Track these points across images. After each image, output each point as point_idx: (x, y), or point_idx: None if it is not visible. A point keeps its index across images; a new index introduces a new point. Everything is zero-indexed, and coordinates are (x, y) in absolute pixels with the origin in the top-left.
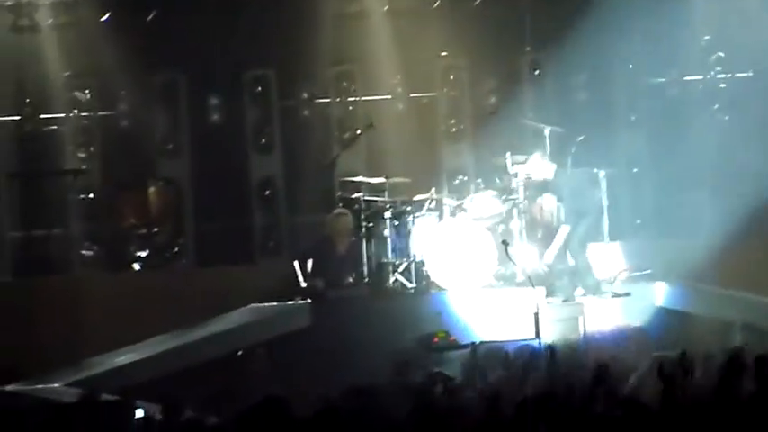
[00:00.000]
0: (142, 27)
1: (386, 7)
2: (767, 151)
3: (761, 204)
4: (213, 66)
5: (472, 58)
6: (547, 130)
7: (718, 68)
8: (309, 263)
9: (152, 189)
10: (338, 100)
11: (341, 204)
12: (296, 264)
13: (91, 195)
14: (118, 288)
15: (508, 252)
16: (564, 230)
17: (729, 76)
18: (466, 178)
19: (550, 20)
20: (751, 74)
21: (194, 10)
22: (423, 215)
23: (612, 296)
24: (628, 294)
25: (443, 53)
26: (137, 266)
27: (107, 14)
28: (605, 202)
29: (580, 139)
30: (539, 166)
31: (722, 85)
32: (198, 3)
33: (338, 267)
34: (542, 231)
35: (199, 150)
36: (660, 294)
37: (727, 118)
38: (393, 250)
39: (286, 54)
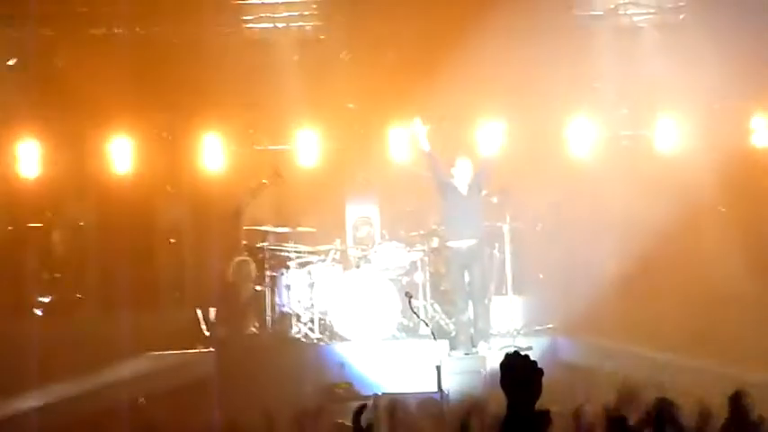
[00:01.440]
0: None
1: (295, 57)
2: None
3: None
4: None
5: (381, 110)
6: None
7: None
8: (212, 311)
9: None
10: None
11: (246, 253)
12: (199, 312)
13: None
14: (19, 334)
15: (411, 304)
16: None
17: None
18: (371, 229)
19: None
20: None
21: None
22: (327, 265)
23: (515, 349)
24: (530, 348)
25: (351, 105)
26: (39, 312)
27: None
28: (508, 256)
29: (484, 193)
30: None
31: (624, 143)
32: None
33: (241, 315)
34: (445, 284)
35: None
36: (562, 349)
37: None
38: (297, 300)
39: (194, 101)
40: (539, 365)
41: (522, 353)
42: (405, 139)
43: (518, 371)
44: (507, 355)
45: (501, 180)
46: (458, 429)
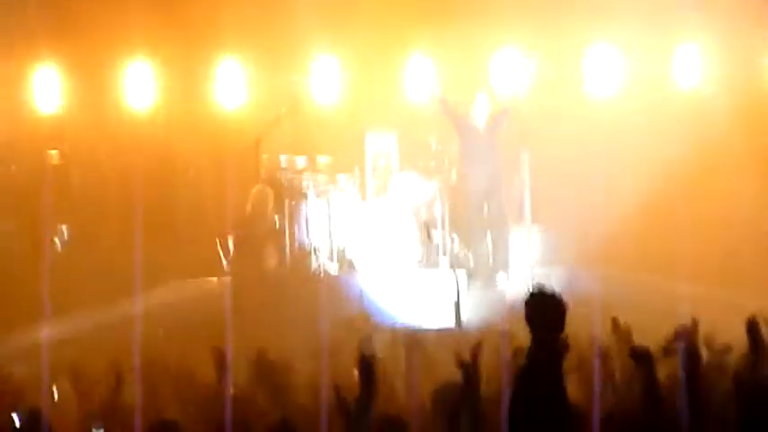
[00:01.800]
0: None
1: None
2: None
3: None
4: None
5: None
6: None
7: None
8: (231, 241)
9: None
10: None
11: (265, 183)
12: (218, 242)
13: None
14: (38, 264)
15: (430, 235)
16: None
17: None
18: (389, 159)
19: None
20: None
21: None
22: (346, 196)
23: (534, 282)
24: (548, 279)
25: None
26: (57, 242)
27: None
28: (527, 187)
29: (504, 124)
30: None
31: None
32: None
33: (260, 245)
34: (464, 216)
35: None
36: (579, 279)
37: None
38: (315, 230)
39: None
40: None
41: (548, 290)
42: (424, 70)
43: (544, 308)
44: (533, 293)
45: (520, 110)
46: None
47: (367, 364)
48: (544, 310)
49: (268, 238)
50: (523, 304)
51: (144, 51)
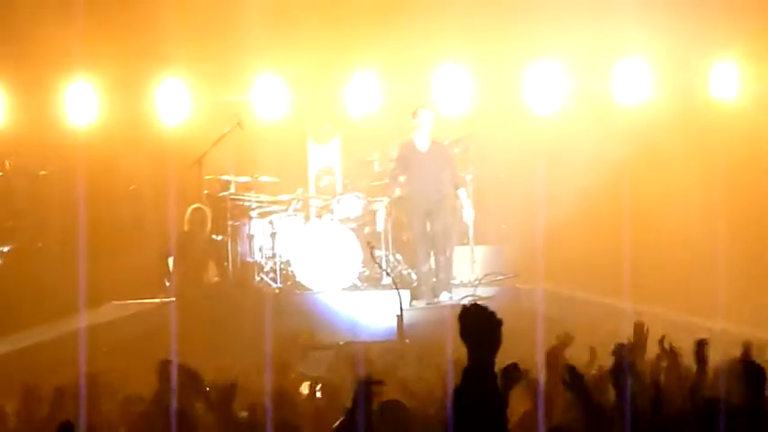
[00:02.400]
0: None
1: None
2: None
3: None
4: None
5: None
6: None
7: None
8: (170, 260)
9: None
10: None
11: (207, 202)
12: (169, 260)
13: None
14: None
15: (373, 254)
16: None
17: None
18: (333, 179)
19: None
20: None
21: None
22: (289, 215)
23: (476, 300)
24: (490, 298)
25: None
26: None
27: None
28: (471, 206)
29: (447, 142)
30: None
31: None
32: None
33: (199, 264)
34: (407, 234)
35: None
36: (523, 298)
37: None
38: (258, 250)
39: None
40: (499, 316)
41: (481, 303)
42: (366, 88)
43: (476, 322)
44: (465, 307)
45: (463, 129)
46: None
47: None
48: (478, 324)
49: (207, 257)
50: (458, 319)
51: (86, 69)
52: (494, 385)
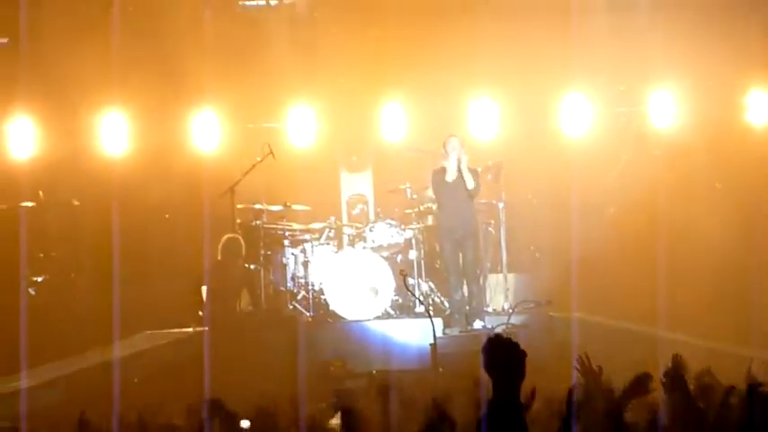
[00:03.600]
0: None
1: (288, 35)
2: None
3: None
4: None
5: (375, 87)
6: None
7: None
8: (204, 289)
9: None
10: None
11: (239, 231)
12: (203, 289)
13: None
14: (13, 313)
15: (406, 282)
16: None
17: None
18: (365, 207)
19: None
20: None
21: None
22: (321, 243)
23: (509, 328)
24: (524, 326)
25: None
26: (32, 291)
27: None
28: (503, 234)
29: (479, 170)
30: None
31: (622, 119)
32: None
33: (233, 294)
34: (439, 262)
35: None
36: (556, 326)
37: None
38: (291, 278)
39: (188, 78)
40: (532, 343)
41: (505, 335)
42: (398, 117)
43: (500, 355)
44: (489, 339)
45: (495, 157)
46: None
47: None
48: (501, 356)
49: (241, 286)
50: (482, 352)
51: (119, 99)
52: (518, 416)
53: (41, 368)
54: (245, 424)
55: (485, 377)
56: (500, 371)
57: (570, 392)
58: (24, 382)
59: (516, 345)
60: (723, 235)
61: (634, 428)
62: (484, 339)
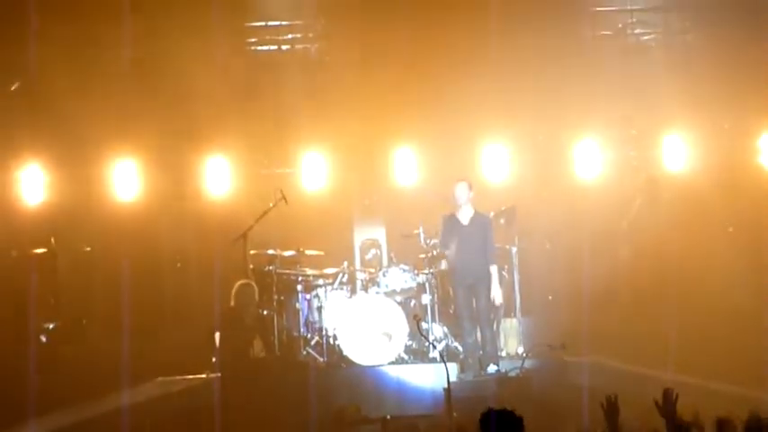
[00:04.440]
0: None
1: (300, 79)
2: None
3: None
4: None
5: (387, 131)
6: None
7: (630, 146)
8: (217, 336)
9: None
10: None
11: (252, 277)
12: (216, 335)
13: None
14: (24, 360)
15: (420, 327)
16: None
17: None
18: (378, 252)
19: None
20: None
21: None
22: (335, 288)
23: (523, 372)
24: (539, 370)
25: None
26: (43, 338)
27: None
28: (516, 278)
29: (492, 214)
30: None
31: (634, 163)
32: None
33: (246, 340)
34: (453, 306)
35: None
36: (571, 370)
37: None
38: (305, 324)
39: (199, 123)
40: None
41: (500, 409)
42: (410, 160)
43: (497, 425)
44: (485, 414)
45: (508, 201)
46: None
47: None
48: (495, 424)
49: (254, 332)
50: (479, 425)
51: (130, 146)
52: None
53: (52, 415)
54: None
55: None
56: None
57: None
58: (35, 429)
59: (511, 413)
60: (736, 279)
61: None
62: (497, 384)
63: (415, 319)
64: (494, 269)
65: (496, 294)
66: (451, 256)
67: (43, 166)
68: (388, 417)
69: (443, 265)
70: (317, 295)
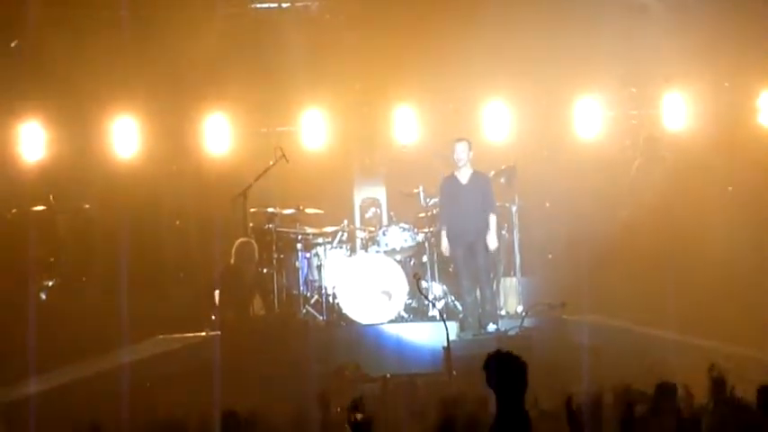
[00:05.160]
0: None
1: (300, 38)
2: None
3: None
4: None
5: (387, 90)
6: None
7: (630, 105)
8: (216, 294)
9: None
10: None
11: (252, 235)
12: (216, 294)
13: None
14: (23, 318)
15: (419, 285)
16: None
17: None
18: (378, 211)
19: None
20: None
21: None
22: (335, 247)
23: (523, 331)
24: (538, 329)
25: (356, 86)
26: (43, 296)
27: None
28: (516, 237)
29: (492, 173)
30: None
31: (634, 122)
32: None
33: (246, 298)
34: (452, 265)
35: (110, 178)
36: (570, 329)
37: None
38: (304, 282)
39: (199, 82)
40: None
41: (505, 353)
42: (411, 119)
43: (501, 371)
44: (490, 356)
45: (508, 160)
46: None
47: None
48: (502, 372)
49: (254, 290)
50: (483, 370)
51: (130, 103)
52: (525, 427)
53: (52, 373)
54: None
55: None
56: (502, 386)
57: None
58: (35, 387)
59: (516, 358)
60: (735, 237)
61: None
62: (497, 343)
63: (415, 277)
64: (493, 219)
65: (491, 241)
66: (451, 214)
67: (43, 124)
68: (388, 375)
69: (443, 224)
70: (316, 254)
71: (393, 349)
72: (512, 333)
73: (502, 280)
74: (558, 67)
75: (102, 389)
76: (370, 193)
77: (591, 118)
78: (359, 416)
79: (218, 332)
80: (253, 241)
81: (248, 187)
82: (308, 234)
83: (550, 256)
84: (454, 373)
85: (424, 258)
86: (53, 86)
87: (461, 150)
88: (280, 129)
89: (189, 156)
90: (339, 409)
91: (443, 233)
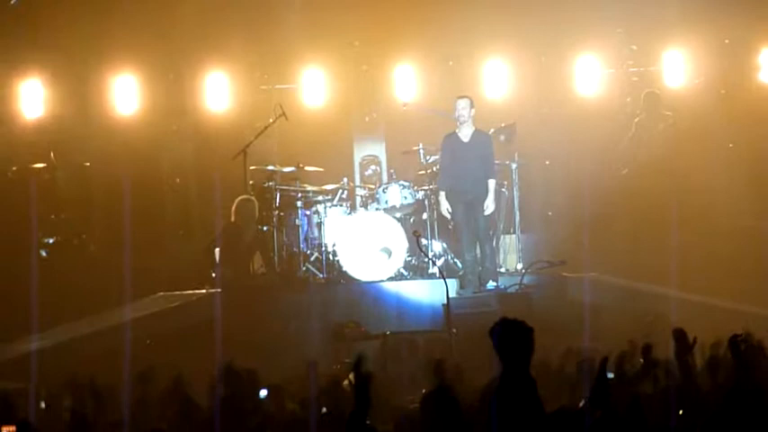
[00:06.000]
0: None
1: None
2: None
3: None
4: None
5: (387, 47)
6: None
7: (630, 62)
8: (217, 251)
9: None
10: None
11: (252, 193)
12: (216, 251)
13: None
14: (24, 275)
15: (419, 243)
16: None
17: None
18: (378, 168)
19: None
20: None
21: None
22: (334, 205)
23: (522, 288)
24: (538, 287)
25: (356, 43)
26: (43, 253)
27: None
28: (516, 194)
29: (492, 131)
30: None
31: (634, 79)
32: None
33: (246, 255)
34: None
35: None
36: (570, 286)
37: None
38: (304, 240)
39: (199, 40)
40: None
41: (510, 319)
42: (410, 77)
43: (510, 338)
44: (496, 325)
45: (508, 118)
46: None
47: (362, 382)
48: (509, 339)
49: (254, 248)
50: (489, 335)
51: (131, 63)
52: (531, 390)
53: (53, 330)
54: (262, 393)
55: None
56: (509, 352)
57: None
58: (36, 343)
59: (522, 323)
60: (735, 194)
61: None
62: (497, 300)
63: (415, 235)
64: (491, 183)
65: (489, 205)
66: (451, 172)
67: (43, 81)
68: (388, 332)
69: (443, 181)
70: (316, 211)
71: (393, 307)
72: (511, 290)
73: (501, 237)
74: (558, 24)
75: (102, 345)
76: (369, 151)
77: (591, 75)
78: (359, 373)
79: (219, 289)
80: (253, 199)
81: (248, 145)
82: (308, 192)
83: (550, 213)
84: (454, 330)
85: (424, 216)
86: (54, 44)
87: (463, 107)
88: (279, 86)
89: (189, 113)
90: (338, 366)
91: (442, 195)
